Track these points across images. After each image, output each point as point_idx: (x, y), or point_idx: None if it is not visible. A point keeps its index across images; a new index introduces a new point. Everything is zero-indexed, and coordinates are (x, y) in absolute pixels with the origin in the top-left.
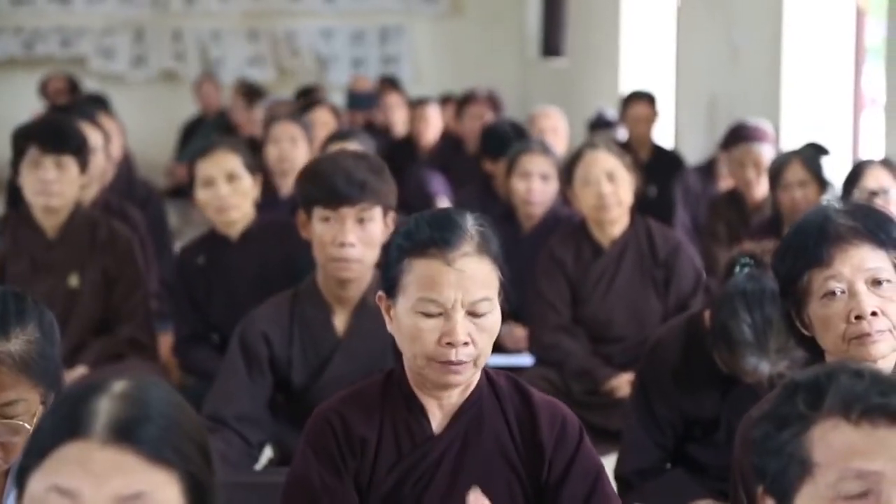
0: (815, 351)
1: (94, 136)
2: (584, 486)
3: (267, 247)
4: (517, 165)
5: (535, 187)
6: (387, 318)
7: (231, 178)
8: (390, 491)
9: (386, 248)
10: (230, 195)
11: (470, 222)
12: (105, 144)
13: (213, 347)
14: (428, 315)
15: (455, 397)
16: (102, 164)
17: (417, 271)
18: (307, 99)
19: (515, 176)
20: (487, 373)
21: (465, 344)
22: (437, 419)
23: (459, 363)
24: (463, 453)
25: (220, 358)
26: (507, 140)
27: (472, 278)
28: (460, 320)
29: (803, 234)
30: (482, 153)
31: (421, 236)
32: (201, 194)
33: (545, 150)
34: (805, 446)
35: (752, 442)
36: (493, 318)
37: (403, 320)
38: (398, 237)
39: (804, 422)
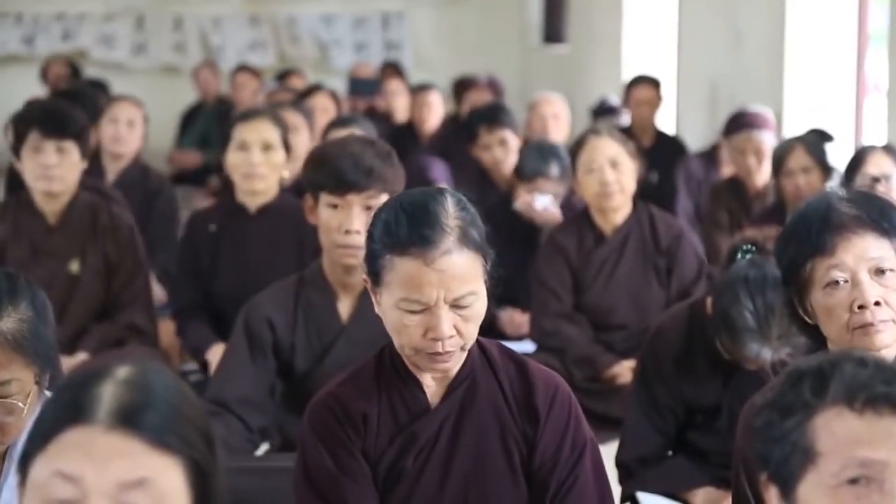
0: (817, 338)
1: (131, 111)
2: (572, 456)
3: (282, 225)
4: (531, 182)
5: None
6: (374, 302)
7: (266, 147)
8: (392, 464)
9: (368, 236)
10: (261, 164)
11: (451, 211)
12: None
13: (210, 324)
14: (411, 312)
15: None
16: (139, 141)
17: (398, 270)
18: (286, 81)
19: (524, 187)
20: (480, 343)
21: (451, 336)
22: (433, 390)
23: (446, 353)
24: (460, 424)
25: (214, 336)
26: (477, 122)
27: (453, 276)
28: (444, 315)
29: (806, 222)
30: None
31: (400, 234)
32: (233, 157)
33: (561, 174)
34: (809, 435)
35: (756, 430)
36: (478, 306)
37: (388, 313)
38: (378, 228)
39: (808, 410)
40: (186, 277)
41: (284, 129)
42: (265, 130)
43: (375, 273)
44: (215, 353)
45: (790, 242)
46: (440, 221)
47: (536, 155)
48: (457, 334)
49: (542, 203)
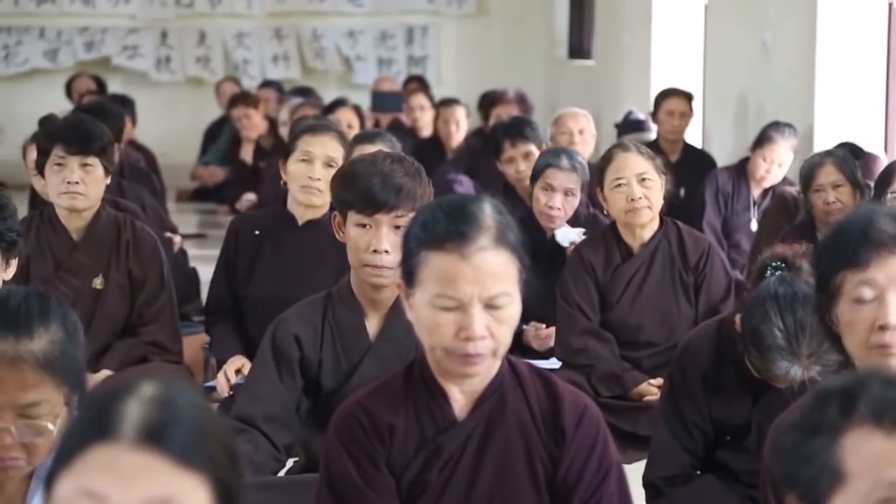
0: (843, 348)
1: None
2: (597, 477)
3: (328, 241)
4: (542, 177)
5: (557, 203)
6: (406, 306)
7: (329, 163)
8: (416, 477)
9: (405, 237)
10: (322, 178)
11: (488, 211)
12: None
13: (237, 329)
14: (445, 309)
15: (477, 383)
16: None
17: (434, 265)
18: (307, 98)
19: (539, 187)
20: (509, 359)
21: (483, 337)
22: (460, 404)
23: (478, 355)
24: (486, 438)
25: (236, 339)
26: (501, 136)
27: (489, 273)
28: (477, 315)
29: (844, 234)
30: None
31: (437, 229)
32: (295, 166)
33: (572, 167)
34: (837, 455)
35: (784, 450)
36: (512, 309)
37: (422, 312)
38: (415, 227)
39: (836, 430)
40: (221, 277)
41: (348, 149)
42: (330, 146)
43: (410, 272)
44: (232, 365)
45: (826, 251)
46: (478, 219)
47: (547, 153)
48: (489, 336)
49: (565, 237)
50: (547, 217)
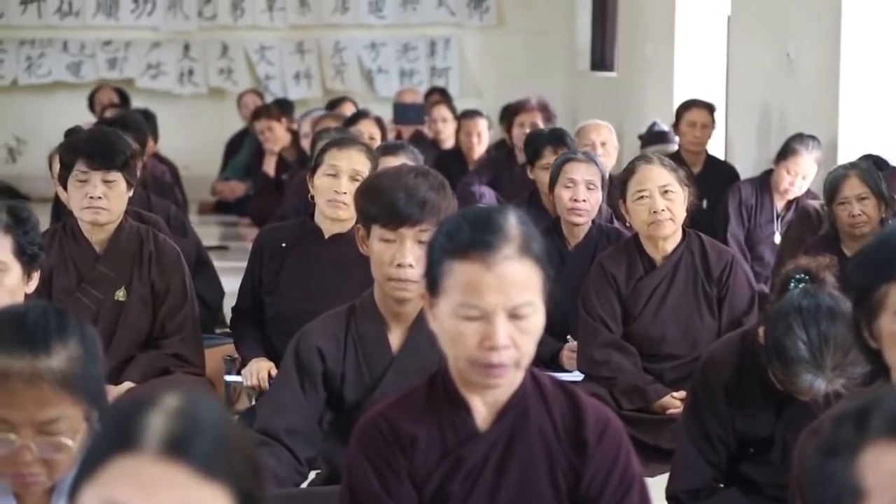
0: (880, 364)
1: None
2: (619, 490)
3: (353, 255)
4: (562, 174)
5: (581, 195)
6: (429, 316)
7: (355, 177)
8: (438, 488)
9: (429, 247)
10: (348, 192)
11: (512, 222)
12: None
13: (259, 329)
14: (469, 318)
15: (500, 394)
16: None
17: (458, 275)
18: (336, 109)
19: (560, 185)
20: (532, 371)
21: (507, 347)
22: (482, 415)
23: (501, 366)
24: (509, 450)
25: (256, 340)
26: (543, 142)
27: (513, 282)
28: (501, 324)
29: (889, 246)
30: (526, 162)
31: (462, 238)
32: (321, 180)
33: (590, 158)
34: (856, 474)
35: (808, 474)
36: (536, 320)
37: (445, 322)
38: (440, 237)
39: (853, 449)
40: (248, 288)
41: (374, 163)
42: (356, 160)
43: (434, 281)
44: (253, 366)
45: (868, 264)
46: (502, 228)
47: (562, 154)
48: (512, 346)
49: None
50: (573, 213)
